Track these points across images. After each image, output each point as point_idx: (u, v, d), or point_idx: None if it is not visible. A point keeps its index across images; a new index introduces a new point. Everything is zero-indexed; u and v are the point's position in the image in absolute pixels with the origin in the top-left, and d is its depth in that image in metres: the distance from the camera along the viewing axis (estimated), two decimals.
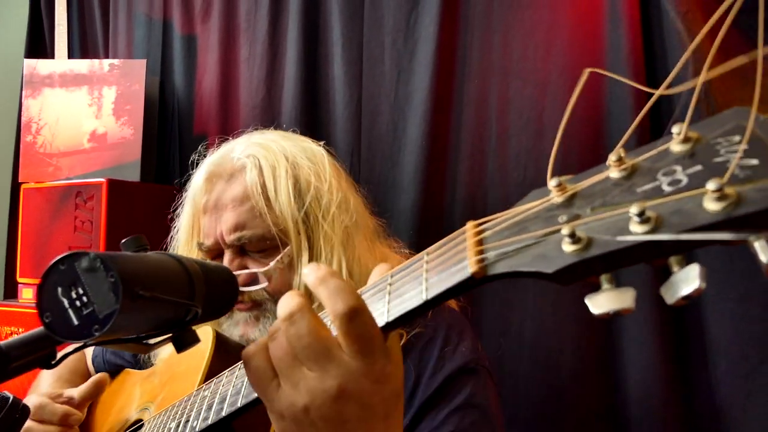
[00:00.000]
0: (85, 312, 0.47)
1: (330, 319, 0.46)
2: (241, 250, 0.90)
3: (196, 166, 1.00)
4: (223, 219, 0.89)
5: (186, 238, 0.96)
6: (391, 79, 1.71)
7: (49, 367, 0.54)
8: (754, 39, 1.25)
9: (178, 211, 1.01)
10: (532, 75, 1.53)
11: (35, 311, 0.48)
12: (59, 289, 0.47)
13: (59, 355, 0.56)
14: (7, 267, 2.39)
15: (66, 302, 0.47)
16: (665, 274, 1.19)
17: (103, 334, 0.47)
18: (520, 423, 1.52)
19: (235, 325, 0.90)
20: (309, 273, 0.49)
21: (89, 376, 1.15)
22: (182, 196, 1.00)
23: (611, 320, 1.44)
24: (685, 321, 1.37)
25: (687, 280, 0.31)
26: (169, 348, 0.98)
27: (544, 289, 1.50)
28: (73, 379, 1.12)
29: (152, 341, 0.58)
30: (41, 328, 0.50)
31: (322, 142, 1.00)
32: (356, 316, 0.45)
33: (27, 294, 1.94)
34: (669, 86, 0.41)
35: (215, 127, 2.04)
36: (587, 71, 0.41)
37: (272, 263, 0.87)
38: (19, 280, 1.96)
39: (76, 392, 0.91)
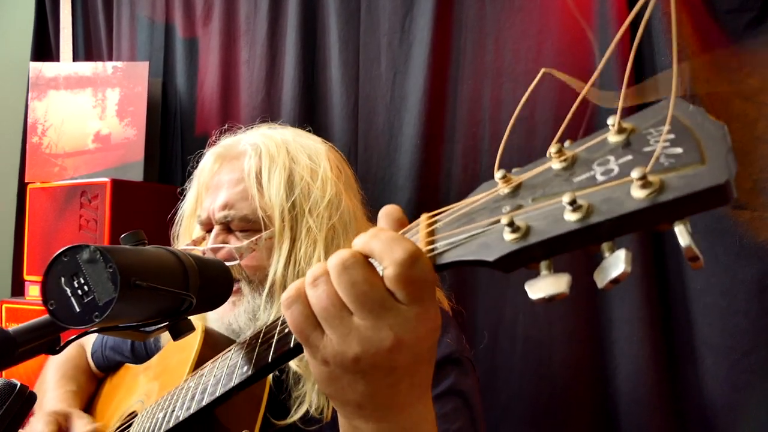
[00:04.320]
0: (86, 300, 0.51)
1: (386, 268, 0.44)
2: (228, 228, 0.95)
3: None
4: (217, 197, 0.95)
5: (190, 212, 1.03)
6: (387, 81, 1.75)
7: (54, 352, 0.58)
8: (736, 36, 1.28)
9: (186, 187, 1.07)
10: (524, 76, 1.57)
11: (42, 308, 0.52)
12: (62, 279, 0.52)
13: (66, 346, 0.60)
14: (14, 265, 2.44)
15: (69, 291, 0.51)
16: (659, 273, 1.21)
17: (102, 321, 0.51)
18: (513, 415, 1.55)
19: None
20: (358, 237, 0.47)
21: (90, 372, 1.19)
22: (190, 176, 1.07)
23: (601, 315, 1.47)
24: (673, 315, 1.40)
25: (615, 265, 0.33)
26: (165, 342, 1.03)
27: None
28: (76, 375, 1.16)
29: (149, 329, 0.62)
30: (46, 315, 0.54)
31: (328, 144, 1.04)
32: (417, 261, 0.43)
33: (34, 291, 1.99)
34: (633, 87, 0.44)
35: (216, 128, 2.06)
36: (543, 71, 0.44)
37: (246, 242, 0.92)
38: (26, 277, 2.01)
39: None
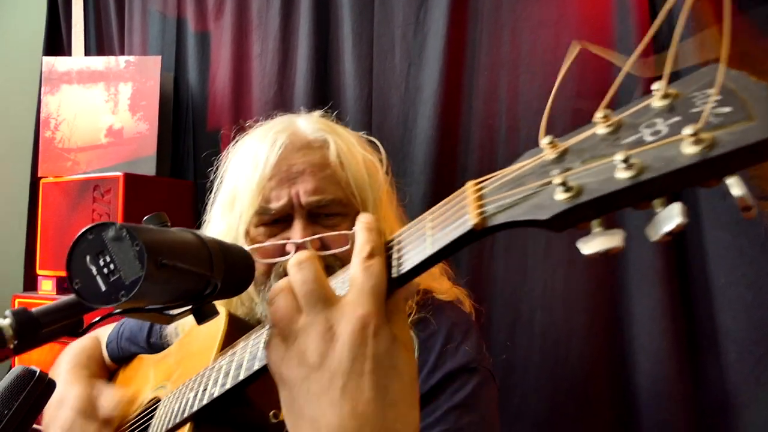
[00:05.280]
0: (112, 279, 0.49)
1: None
2: (311, 216, 0.92)
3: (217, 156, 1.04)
4: (301, 182, 0.91)
5: (248, 203, 0.92)
6: (401, 73, 1.74)
7: (77, 335, 0.57)
8: (761, 26, 1.25)
9: (216, 184, 1.02)
10: (541, 68, 1.55)
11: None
12: (87, 257, 0.50)
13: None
14: (26, 259, 2.45)
15: (94, 269, 0.50)
16: (681, 266, 1.18)
17: (128, 300, 0.49)
18: (529, 412, 1.53)
19: None
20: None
21: (103, 363, 1.19)
22: (222, 167, 1.02)
23: (621, 309, 1.45)
24: (695, 308, 1.37)
25: (670, 217, 0.34)
26: (173, 333, 1.02)
27: (554, 279, 1.52)
28: (90, 364, 1.15)
29: (173, 312, 0.60)
30: (70, 296, 0.53)
31: (362, 132, 1.06)
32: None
33: (46, 286, 1.99)
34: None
35: (228, 122, 2.07)
36: (577, 46, 0.44)
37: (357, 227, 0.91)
38: (39, 272, 2.01)
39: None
